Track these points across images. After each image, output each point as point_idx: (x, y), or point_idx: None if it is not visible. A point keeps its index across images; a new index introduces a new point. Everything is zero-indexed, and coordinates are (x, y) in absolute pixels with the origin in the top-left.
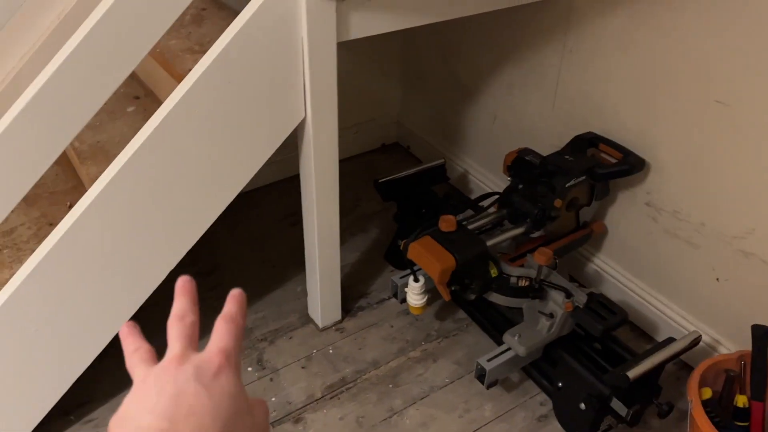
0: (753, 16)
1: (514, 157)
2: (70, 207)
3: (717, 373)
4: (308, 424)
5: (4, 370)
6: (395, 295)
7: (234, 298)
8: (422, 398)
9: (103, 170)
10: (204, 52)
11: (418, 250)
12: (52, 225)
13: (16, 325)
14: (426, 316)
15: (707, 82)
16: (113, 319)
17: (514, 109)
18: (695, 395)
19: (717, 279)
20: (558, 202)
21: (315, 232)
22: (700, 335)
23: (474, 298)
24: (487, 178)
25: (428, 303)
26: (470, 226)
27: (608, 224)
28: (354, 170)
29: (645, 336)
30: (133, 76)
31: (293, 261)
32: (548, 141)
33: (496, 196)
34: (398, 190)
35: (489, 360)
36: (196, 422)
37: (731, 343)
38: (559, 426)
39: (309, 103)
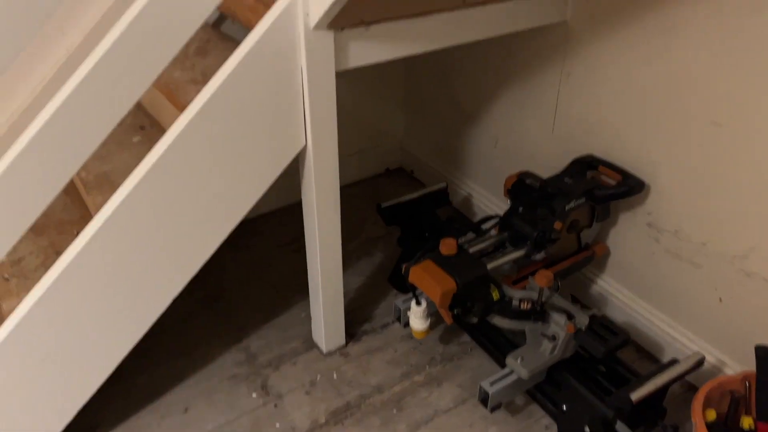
0: (745, 39)
1: (515, 180)
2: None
3: (722, 395)
4: None
5: (13, 396)
6: (398, 319)
7: None
8: (426, 422)
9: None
10: (207, 83)
11: (420, 273)
12: (60, 254)
13: (23, 353)
14: (430, 339)
15: (701, 103)
16: (120, 345)
17: (515, 133)
18: (699, 417)
19: (720, 299)
20: (558, 225)
21: (317, 257)
22: (704, 356)
23: (476, 321)
24: (491, 201)
25: (431, 327)
26: (471, 249)
27: (610, 245)
28: (359, 195)
29: (650, 357)
30: (139, 107)
31: (297, 286)
32: (549, 164)
33: (497, 219)
34: (401, 214)
35: (492, 383)
36: None
37: (737, 364)
38: None
39: (309, 131)
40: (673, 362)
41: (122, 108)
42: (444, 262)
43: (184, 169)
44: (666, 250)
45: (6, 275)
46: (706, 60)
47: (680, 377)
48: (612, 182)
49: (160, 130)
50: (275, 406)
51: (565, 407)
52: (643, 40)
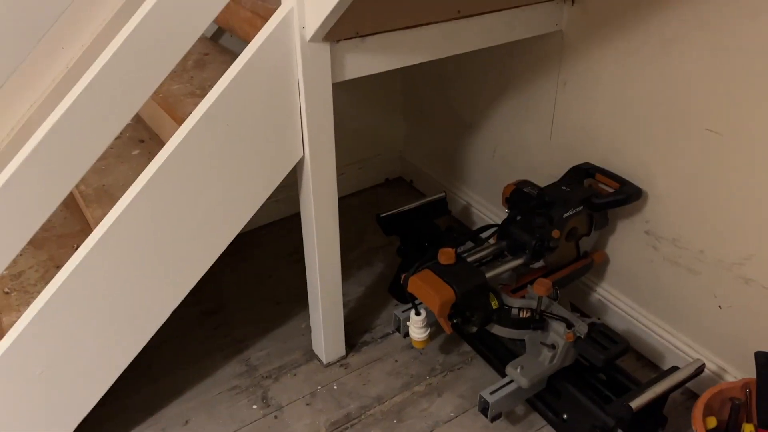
0: (738, 46)
1: (513, 189)
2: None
3: (722, 402)
4: None
5: (12, 410)
6: (398, 329)
7: None
8: None
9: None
10: (205, 96)
11: (418, 283)
12: (60, 268)
13: (23, 367)
14: (430, 349)
15: (696, 110)
16: (119, 357)
17: (513, 142)
18: (699, 425)
19: (719, 306)
20: (556, 233)
21: (316, 268)
22: (704, 363)
23: (475, 330)
24: (490, 210)
25: (432, 336)
26: (470, 258)
27: (609, 253)
28: (359, 205)
29: (651, 365)
30: (139, 120)
31: (298, 297)
32: (547, 172)
33: (495, 228)
34: (400, 224)
35: (492, 393)
36: None
37: (737, 371)
38: None
39: (307, 142)
40: (673, 370)
41: (120, 121)
42: (442, 272)
43: (182, 181)
44: (664, 257)
45: (6, 289)
46: (701, 67)
47: (680, 385)
48: (609, 190)
49: (160, 144)
50: (275, 417)
51: (565, 416)
52: (638, 49)
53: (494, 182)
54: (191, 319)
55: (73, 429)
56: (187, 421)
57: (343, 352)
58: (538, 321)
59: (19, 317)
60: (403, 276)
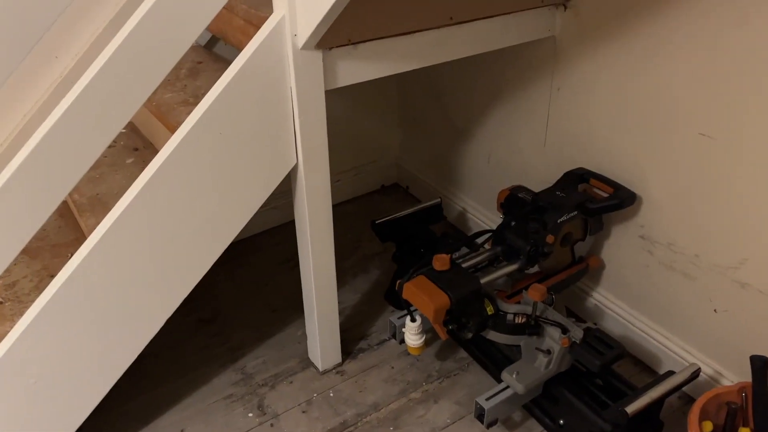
0: (729, 52)
1: (507, 194)
2: None
3: (719, 406)
4: None
5: (3, 421)
6: (394, 336)
7: None
8: None
9: None
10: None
11: (412, 290)
12: (54, 277)
13: (15, 377)
14: (427, 356)
15: (689, 115)
16: (112, 367)
17: (508, 148)
18: (695, 430)
19: (715, 310)
20: (550, 238)
21: (311, 275)
22: (699, 368)
23: (471, 336)
24: (485, 216)
25: (428, 343)
26: (465, 264)
27: (605, 258)
28: (354, 211)
29: (648, 370)
30: (133, 129)
31: (294, 304)
32: (541, 177)
33: (490, 234)
34: (395, 230)
35: (488, 399)
36: None
37: (734, 375)
38: None
39: (300, 150)
40: (669, 374)
41: (112, 130)
42: (437, 278)
43: (176, 189)
44: (660, 262)
45: (0, 299)
46: (692, 72)
47: (676, 389)
48: (604, 195)
49: (154, 152)
50: (272, 425)
51: (562, 422)
52: (630, 54)
53: (489, 188)
54: (187, 327)
55: None
56: (182, 430)
57: (339, 360)
58: (533, 326)
59: (12, 327)
60: (397, 282)
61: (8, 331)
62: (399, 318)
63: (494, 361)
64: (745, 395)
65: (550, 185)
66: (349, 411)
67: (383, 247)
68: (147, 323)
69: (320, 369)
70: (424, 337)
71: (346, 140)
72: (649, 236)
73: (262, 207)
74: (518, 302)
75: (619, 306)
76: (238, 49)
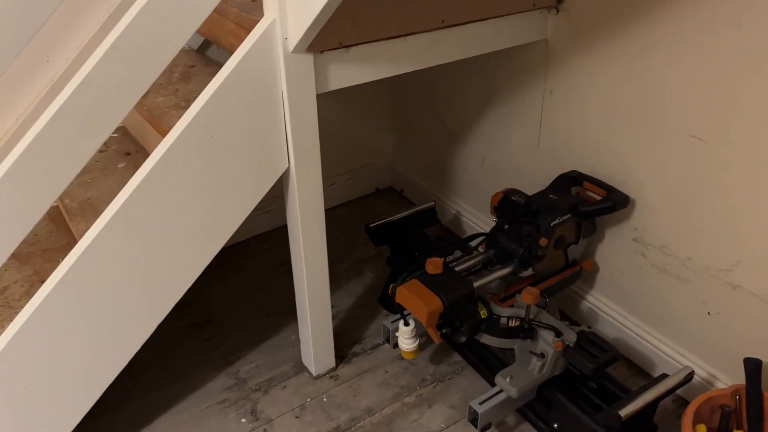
0: (720, 55)
1: (501, 197)
2: None
3: (712, 409)
4: None
5: None
6: (387, 340)
7: None
8: None
9: None
10: None
11: (406, 294)
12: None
13: (5, 384)
14: (421, 360)
15: (680, 118)
16: (104, 373)
17: (501, 151)
18: None
19: (708, 313)
20: (543, 241)
21: (304, 279)
22: (693, 371)
23: (464, 340)
24: (480, 219)
25: (422, 347)
26: (458, 268)
27: (598, 261)
28: (349, 215)
29: (642, 373)
30: (125, 133)
31: (287, 309)
32: (535, 180)
33: (484, 237)
34: (389, 234)
35: (481, 403)
36: None
37: (727, 378)
38: None
39: (292, 153)
40: (663, 377)
41: (102, 133)
42: (430, 282)
43: (166, 193)
44: (653, 264)
45: None
46: (683, 75)
47: (670, 392)
48: (597, 198)
49: (146, 156)
50: (265, 431)
51: (556, 425)
52: (622, 57)
53: (483, 191)
54: (180, 331)
55: None
56: None
57: (333, 364)
58: (527, 330)
59: (2, 333)
60: (391, 286)
61: None
62: (393, 322)
63: (488, 365)
64: (739, 398)
65: (544, 188)
66: (343, 416)
67: (377, 251)
68: (139, 328)
69: (314, 373)
70: (417, 341)
71: (340, 143)
72: (642, 239)
73: (254, 211)
74: (512, 305)
75: (612, 309)
76: (230, 53)
